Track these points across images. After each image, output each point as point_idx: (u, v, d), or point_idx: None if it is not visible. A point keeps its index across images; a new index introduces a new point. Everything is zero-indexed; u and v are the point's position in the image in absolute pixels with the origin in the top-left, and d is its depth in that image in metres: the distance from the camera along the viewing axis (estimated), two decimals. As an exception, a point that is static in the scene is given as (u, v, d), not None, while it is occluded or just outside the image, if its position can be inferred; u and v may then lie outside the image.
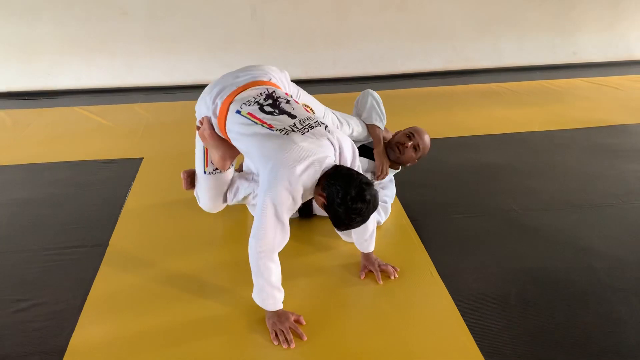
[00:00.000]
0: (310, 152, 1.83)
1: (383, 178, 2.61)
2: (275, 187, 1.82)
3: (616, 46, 5.52)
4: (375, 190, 1.86)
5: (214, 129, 2.17)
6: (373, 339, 1.88)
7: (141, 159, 3.32)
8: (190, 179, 2.50)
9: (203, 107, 2.19)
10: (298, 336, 1.87)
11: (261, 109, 1.98)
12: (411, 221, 2.58)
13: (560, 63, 5.43)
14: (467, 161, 3.26)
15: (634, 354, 1.82)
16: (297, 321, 1.93)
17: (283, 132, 1.88)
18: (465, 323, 1.93)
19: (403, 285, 2.15)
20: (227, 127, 2.06)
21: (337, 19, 5.00)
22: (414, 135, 2.58)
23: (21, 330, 1.95)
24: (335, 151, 1.94)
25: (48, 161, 3.35)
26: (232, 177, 2.45)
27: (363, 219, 1.85)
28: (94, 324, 1.97)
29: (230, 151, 2.26)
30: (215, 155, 2.27)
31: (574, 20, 5.41)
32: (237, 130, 2.01)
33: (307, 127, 1.92)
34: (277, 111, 1.97)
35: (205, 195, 2.42)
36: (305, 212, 2.54)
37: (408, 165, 2.66)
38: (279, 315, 1.91)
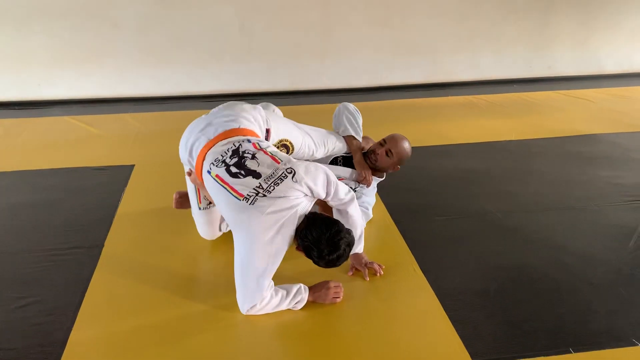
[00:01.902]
0: (277, 218, 1.93)
1: (368, 184, 2.72)
2: (252, 257, 1.94)
3: (588, 61, 5.76)
4: (348, 231, 1.99)
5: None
6: (361, 330, 1.99)
7: (133, 165, 3.40)
8: (182, 200, 2.59)
9: (185, 155, 2.26)
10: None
11: (227, 170, 2.03)
12: (395, 223, 2.70)
13: (536, 76, 5.65)
14: (448, 168, 3.40)
15: (604, 340, 1.94)
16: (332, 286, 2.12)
17: (249, 201, 1.93)
18: (447, 315, 2.04)
19: (389, 282, 2.26)
20: (204, 182, 2.14)
21: (323, 33, 5.15)
22: (385, 142, 2.68)
23: (22, 325, 2.02)
24: (307, 195, 2.02)
25: (41, 168, 3.41)
26: None
27: (343, 259, 2.00)
28: (92, 319, 2.04)
29: None
30: (208, 194, 2.29)
31: (548, 37, 5.64)
32: (210, 189, 2.10)
33: (272, 184, 1.97)
34: (242, 172, 2.01)
35: (203, 227, 2.51)
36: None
37: (390, 171, 2.78)
38: (320, 289, 2.11)
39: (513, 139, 3.91)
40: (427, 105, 4.80)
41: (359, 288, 2.22)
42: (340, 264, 2.02)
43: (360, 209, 2.45)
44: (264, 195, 1.94)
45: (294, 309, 2.07)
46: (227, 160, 2.06)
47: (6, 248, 2.53)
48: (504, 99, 4.94)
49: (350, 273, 2.29)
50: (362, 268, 2.28)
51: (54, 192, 3.07)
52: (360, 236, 2.28)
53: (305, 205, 2.01)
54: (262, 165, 2.03)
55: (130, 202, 2.93)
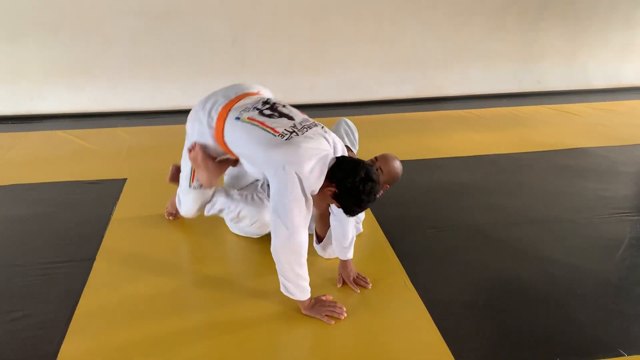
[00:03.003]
0: (314, 152, 1.98)
1: None
2: (289, 186, 1.94)
3: (576, 76, 5.85)
4: (375, 170, 2.04)
5: (205, 152, 2.29)
6: (351, 341, 2.01)
7: (125, 179, 3.41)
8: (178, 174, 2.62)
9: (196, 123, 2.30)
10: (340, 311, 2.09)
11: (261, 113, 2.12)
12: (386, 235, 2.73)
13: (525, 91, 5.73)
14: (438, 181, 3.44)
15: (591, 351, 1.97)
16: (331, 301, 2.14)
17: (285, 137, 2.01)
18: (436, 325, 2.07)
19: (379, 294, 2.28)
20: (225, 136, 2.18)
21: (315, 48, 5.20)
22: (377, 160, 2.68)
23: (13, 338, 2.01)
24: (331, 148, 2.08)
25: (33, 182, 3.41)
26: (213, 191, 2.57)
27: (373, 197, 2.00)
28: (83, 333, 2.04)
29: (217, 173, 2.39)
30: (204, 176, 2.37)
31: (537, 52, 5.73)
32: (239, 137, 2.13)
33: (306, 127, 2.07)
34: (276, 114, 2.11)
35: (187, 204, 2.55)
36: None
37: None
38: (317, 303, 2.11)
39: (502, 152, 3.96)
40: (417, 119, 4.85)
41: (349, 299, 2.23)
42: (368, 203, 1.99)
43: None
44: (298, 135, 2.02)
45: (288, 292, 2.07)
46: (259, 107, 2.16)
47: (-3, 262, 2.53)
48: (493, 113, 5.01)
49: (340, 285, 2.31)
50: (350, 283, 2.30)
51: (45, 206, 3.07)
52: (351, 241, 2.31)
53: (332, 156, 2.04)
54: (294, 113, 2.15)
55: (122, 216, 2.93)
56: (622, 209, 3.03)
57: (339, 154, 2.10)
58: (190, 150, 2.36)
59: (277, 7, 5.01)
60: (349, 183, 1.93)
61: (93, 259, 2.51)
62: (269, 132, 2.05)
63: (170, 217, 2.83)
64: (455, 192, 3.27)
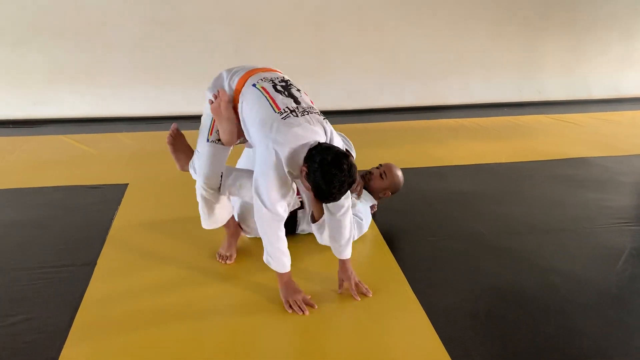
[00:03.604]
0: (302, 138, 2.05)
1: (358, 194, 2.77)
2: (269, 164, 2.04)
3: (577, 86, 5.88)
4: (353, 163, 2.04)
5: (230, 100, 2.26)
6: (352, 348, 1.99)
7: (126, 184, 3.42)
8: (178, 136, 2.53)
9: (218, 85, 2.32)
10: (310, 305, 2.17)
11: (274, 87, 2.19)
12: (387, 243, 2.73)
13: (526, 101, 5.76)
14: (439, 189, 3.44)
15: (592, 359, 1.97)
16: (305, 300, 2.19)
17: (283, 116, 2.08)
18: (437, 333, 2.06)
19: (380, 301, 2.27)
20: (239, 98, 2.23)
21: (316, 56, 5.24)
22: (381, 166, 2.87)
23: (13, 343, 2.00)
24: (326, 137, 2.13)
25: (33, 186, 3.42)
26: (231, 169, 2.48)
27: (340, 185, 2.00)
28: (84, 338, 2.03)
29: (237, 128, 2.33)
30: (225, 128, 2.29)
31: (538, 62, 5.77)
32: (248, 100, 2.20)
33: (306, 112, 2.13)
34: (286, 93, 2.18)
35: (203, 166, 2.37)
36: (288, 228, 2.65)
37: (380, 196, 2.88)
38: (293, 290, 2.20)
39: (503, 161, 3.97)
40: (418, 128, 4.86)
41: (350, 306, 2.23)
42: (336, 190, 2.00)
43: (355, 219, 2.58)
44: (296, 116, 2.09)
45: (270, 261, 2.18)
46: (275, 82, 2.23)
47: (-2, 265, 2.52)
48: (494, 122, 5.03)
49: (340, 291, 2.31)
50: (351, 289, 2.29)
51: (47, 210, 3.08)
52: (347, 241, 2.31)
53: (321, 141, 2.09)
54: (303, 99, 2.21)
55: (124, 221, 2.94)
56: (622, 218, 3.03)
57: (337, 145, 2.16)
58: (211, 102, 2.30)
59: (279, 16, 5.05)
60: (316, 164, 1.99)
61: (94, 264, 2.51)
62: (271, 105, 2.12)
63: (221, 260, 2.58)
64: (456, 201, 3.27)
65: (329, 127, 2.17)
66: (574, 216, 3.08)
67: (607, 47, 5.83)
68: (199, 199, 2.46)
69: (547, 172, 3.77)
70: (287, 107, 2.11)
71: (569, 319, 2.19)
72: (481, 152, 4.16)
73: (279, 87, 2.20)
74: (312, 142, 2.06)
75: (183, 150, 2.52)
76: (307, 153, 2.04)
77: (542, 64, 5.78)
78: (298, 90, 2.26)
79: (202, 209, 2.49)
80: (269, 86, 2.20)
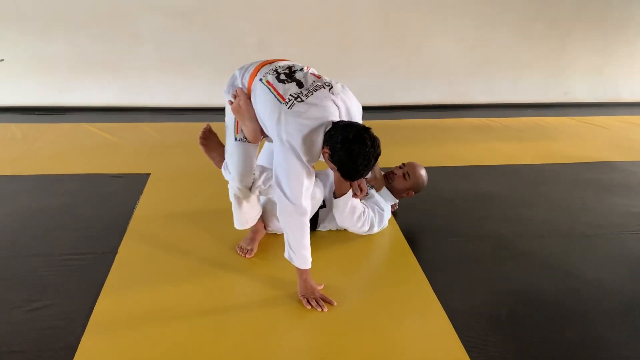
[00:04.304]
0: (309, 123, 2.05)
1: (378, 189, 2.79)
2: (286, 157, 2.06)
3: (604, 88, 5.76)
4: (375, 136, 2.05)
5: (248, 100, 2.27)
6: (371, 348, 1.97)
7: (148, 174, 3.43)
8: (210, 136, 2.54)
9: (234, 85, 2.34)
10: (329, 302, 2.16)
11: (277, 77, 2.18)
12: (408, 243, 2.70)
13: (552, 102, 5.65)
14: (461, 189, 3.40)
15: (615, 369, 1.93)
16: (323, 298, 2.18)
17: (288, 105, 2.08)
18: (458, 336, 2.03)
19: (401, 301, 2.25)
20: (251, 95, 2.25)
21: (339, 52, 5.20)
22: (404, 165, 2.84)
23: (34, 328, 2.02)
24: (340, 111, 2.12)
25: (57, 173, 3.46)
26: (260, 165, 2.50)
27: (366, 161, 2.00)
28: (104, 325, 2.04)
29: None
30: (248, 126, 2.30)
31: (565, 63, 5.65)
32: (257, 97, 2.21)
33: (311, 92, 2.11)
34: (289, 80, 2.17)
35: (236, 165, 2.38)
36: (310, 225, 2.64)
37: (403, 196, 2.85)
38: (312, 287, 2.19)
39: (527, 163, 3.90)
40: (441, 126, 4.81)
41: (370, 306, 2.22)
42: (362, 167, 2.02)
43: (376, 209, 2.66)
44: (301, 101, 2.08)
45: (290, 257, 2.18)
46: (279, 70, 2.22)
47: (20, 251, 2.55)
48: (518, 122, 4.95)
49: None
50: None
51: (69, 198, 3.11)
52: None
53: (332, 121, 2.08)
54: (307, 78, 2.18)
55: (145, 210, 2.95)
56: (650, 225, 2.96)
57: (352, 115, 2.18)
58: (231, 103, 2.32)
59: (303, 11, 5.03)
60: (338, 144, 1.99)
61: (115, 252, 2.52)
62: (276, 97, 2.12)
63: (241, 253, 2.56)
64: (478, 202, 3.23)
65: (338, 97, 2.13)
66: (599, 221, 3.02)
67: (638, 48, 5.69)
68: (232, 198, 2.49)
69: (572, 175, 3.70)
70: (290, 95, 2.10)
71: (592, 326, 2.14)
72: (505, 153, 4.09)
73: (282, 76, 2.19)
74: (326, 123, 2.06)
75: (216, 150, 2.54)
76: (326, 135, 2.04)
77: (569, 64, 5.66)
78: (302, 70, 2.23)
79: (235, 209, 2.52)
80: (272, 78, 2.19)
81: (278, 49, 5.01)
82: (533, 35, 5.47)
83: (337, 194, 2.53)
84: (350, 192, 2.53)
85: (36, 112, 4.81)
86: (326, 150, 2.05)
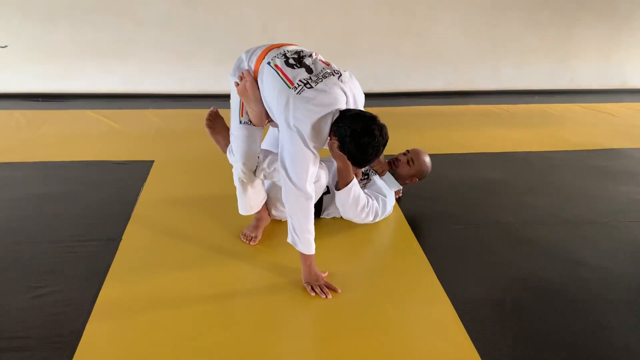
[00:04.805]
0: (319, 110, 2.06)
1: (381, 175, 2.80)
2: (293, 141, 2.06)
3: (612, 75, 5.70)
4: (382, 124, 2.08)
5: (254, 82, 2.26)
6: (375, 336, 1.97)
7: (152, 161, 3.43)
8: (216, 119, 2.55)
9: (240, 67, 2.33)
10: (333, 289, 2.16)
11: (286, 61, 2.16)
12: (413, 230, 2.69)
13: (558, 88, 5.60)
14: (466, 176, 3.38)
15: (620, 356, 1.92)
16: (328, 285, 2.19)
17: (297, 90, 2.07)
18: (463, 324, 2.03)
19: (405, 289, 2.25)
20: (258, 78, 2.24)
21: (344, 38, 5.16)
22: (409, 152, 2.83)
23: (40, 314, 2.03)
24: (348, 99, 2.13)
25: (61, 160, 3.46)
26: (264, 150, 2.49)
27: (376, 151, 2.06)
28: (109, 311, 2.05)
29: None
30: (253, 109, 2.29)
31: (571, 49, 5.59)
32: (265, 80, 2.19)
33: (321, 78, 2.11)
34: (298, 65, 2.16)
35: (240, 147, 2.37)
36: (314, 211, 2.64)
37: (407, 183, 2.85)
38: (316, 273, 2.20)
39: (533, 150, 3.88)
40: (447, 113, 4.78)
41: (374, 293, 2.21)
42: (371, 156, 2.08)
43: (379, 197, 2.66)
44: (310, 87, 2.08)
45: (294, 242, 2.18)
46: (288, 55, 2.21)
47: (25, 238, 2.56)
48: (524, 109, 4.91)
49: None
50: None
51: (73, 185, 3.11)
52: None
53: (340, 109, 2.11)
54: (316, 65, 2.18)
55: (149, 197, 2.95)
56: (657, 213, 2.94)
57: (359, 104, 2.21)
58: (237, 84, 2.31)
59: (309, -4, 4.98)
60: (347, 137, 2.03)
61: (119, 239, 2.53)
62: (285, 82, 2.11)
63: (245, 240, 2.56)
64: (484, 189, 3.21)
65: (346, 85, 2.15)
66: (605, 209, 3.00)
67: (646, 35, 5.62)
68: (236, 183, 2.49)
69: (579, 162, 3.68)
70: (300, 81, 2.10)
71: (598, 314, 2.14)
72: (511, 140, 4.07)
73: (290, 61, 2.17)
74: (334, 111, 2.07)
75: (221, 133, 2.53)
76: (334, 125, 2.06)
77: (576, 51, 5.60)
78: (310, 56, 2.23)
79: (239, 194, 2.53)
80: (280, 62, 2.18)
81: (282, 34, 4.97)
82: (540, 22, 5.41)
83: (340, 185, 2.52)
84: (352, 183, 2.50)
85: (40, 99, 4.80)
86: (334, 140, 2.08)
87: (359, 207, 2.55)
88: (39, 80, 4.90)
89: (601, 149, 3.91)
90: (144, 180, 3.15)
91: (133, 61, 4.94)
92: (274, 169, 2.40)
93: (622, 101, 5.23)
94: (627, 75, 5.72)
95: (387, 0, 5.11)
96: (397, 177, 2.80)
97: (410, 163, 2.79)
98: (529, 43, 5.48)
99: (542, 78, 5.60)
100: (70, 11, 4.73)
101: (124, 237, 2.55)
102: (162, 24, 4.87)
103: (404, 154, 2.83)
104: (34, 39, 4.79)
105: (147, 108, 4.60)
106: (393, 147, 2.95)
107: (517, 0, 5.30)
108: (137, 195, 2.96)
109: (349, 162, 2.31)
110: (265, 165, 2.40)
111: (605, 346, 1.97)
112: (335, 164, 2.53)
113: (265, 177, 2.46)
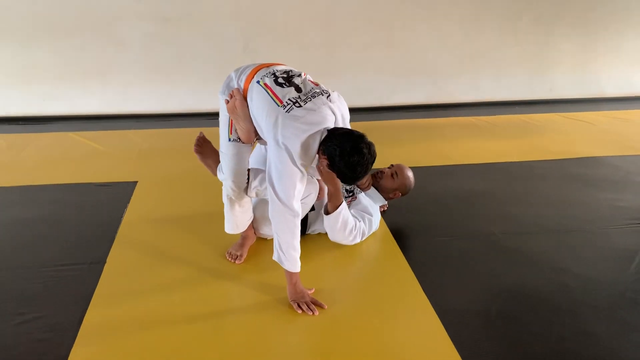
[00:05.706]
0: (307, 128, 2.09)
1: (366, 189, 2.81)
2: (281, 159, 2.09)
3: (589, 84, 5.81)
4: (370, 142, 2.12)
5: (243, 100, 2.28)
6: (363, 349, 1.98)
7: (136, 182, 3.42)
8: (204, 144, 2.56)
9: (229, 86, 2.36)
10: (319, 306, 2.17)
11: (275, 81, 2.20)
12: (397, 243, 2.71)
13: (537, 99, 5.70)
14: (449, 188, 3.41)
15: (604, 363, 1.95)
16: (314, 301, 2.19)
17: (286, 109, 2.11)
18: (448, 334, 2.04)
19: (390, 301, 2.26)
20: (247, 97, 2.27)
21: (326, 54, 5.20)
22: (393, 166, 2.88)
23: (24, 341, 2.01)
24: (336, 118, 2.17)
25: (44, 183, 3.43)
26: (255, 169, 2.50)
27: (365, 169, 2.10)
28: (94, 336, 2.03)
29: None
30: (242, 127, 2.30)
31: (549, 59, 5.70)
32: (254, 99, 2.22)
33: (310, 97, 2.15)
34: (287, 84, 2.19)
35: (229, 165, 2.38)
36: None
37: (390, 197, 2.87)
38: (301, 291, 2.20)
39: (514, 160, 3.93)
40: (428, 126, 4.83)
41: (361, 307, 2.22)
42: (360, 173, 2.11)
43: (364, 215, 2.66)
44: (299, 106, 2.11)
45: (280, 259, 2.18)
46: (277, 74, 2.25)
47: (7, 263, 2.53)
48: (504, 120, 4.98)
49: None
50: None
51: (56, 208, 3.08)
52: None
53: (331, 126, 2.15)
54: (306, 85, 2.22)
55: (133, 218, 2.94)
56: (636, 219, 2.99)
57: (347, 123, 2.25)
58: (227, 101, 2.33)
59: (288, 13, 5.03)
60: (337, 157, 2.06)
61: (104, 262, 2.51)
62: (274, 100, 2.14)
63: (230, 259, 2.55)
64: (466, 200, 3.24)
65: (335, 104, 2.19)
66: (586, 216, 3.05)
67: (620, 44, 5.74)
68: (225, 200, 2.50)
69: (559, 171, 3.73)
70: (289, 100, 2.13)
71: (582, 320, 2.17)
72: (492, 151, 4.12)
73: (280, 80, 2.21)
74: (322, 130, 2.10)
75: (211, 157, 2.54)
76: (323, 143, 2.09)
77: (553, 61, 5.71)
78: (299, 75, 2.26)
79: (227, 211, 2.53)
80: (270, 81, 2.21)
81: (264, 52, 5.01)
82: (517, 33, 5.51)
83: (330, 209, 2.51)
84: (341, 207, 2.50)
85: (21, 122, 4.76)
86: (324, 159, 2.11)
87: (347, 230, 2.56)
88: (19, 103, 4.86)
89: (581, 157, 3.97)
90: (128, 201, 3.14)
91: (114, 82, 4.93)
92: (265, 187, 2.39)
93: (599, 109, 5.33)
94: (603, 84, 5.84)
95: (366, 15, 5.18)
96: (381, 191, 2.83)
97: (394, 176, 2.82)
98: (507, 54, 5.57)
99: (521, 89, 5.70)
100: (50, 33, 4.72)
101: (108, 259, 2.53)
102: (143, 44, 4.87)
103: (388, 167, 2.87)
104: (14, 61, 4.76)
105: (130, 129, 4.59)
106: (377, 162, 2.95)
107: (493, 12, 5.39)
108: (121, 216, 2.95)
109: (339, 185, 2.34)
110: (257, 182, 2.42)
111: (589, 353, 1.99)
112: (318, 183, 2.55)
113: (257, 194, 2.46)
